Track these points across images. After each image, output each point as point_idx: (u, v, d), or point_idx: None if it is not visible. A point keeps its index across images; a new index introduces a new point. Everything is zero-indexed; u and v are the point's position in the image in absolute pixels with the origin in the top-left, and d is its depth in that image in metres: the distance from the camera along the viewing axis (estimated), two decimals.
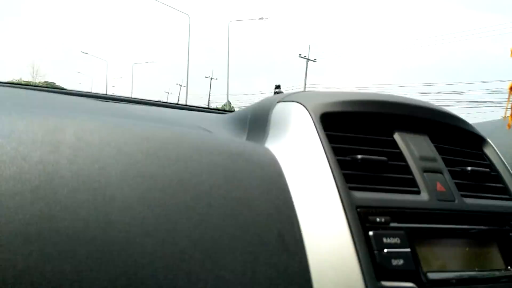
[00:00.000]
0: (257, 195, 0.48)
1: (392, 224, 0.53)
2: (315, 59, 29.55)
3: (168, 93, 62.64)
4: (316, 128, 0.57)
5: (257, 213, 0.47)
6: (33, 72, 78.08)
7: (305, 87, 27.44)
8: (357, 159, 0.57)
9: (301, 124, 0.58)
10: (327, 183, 0.52)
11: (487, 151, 0.74)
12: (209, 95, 50.90)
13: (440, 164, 0.63)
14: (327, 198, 0.51)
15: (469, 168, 0.66)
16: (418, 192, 0.58)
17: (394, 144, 0.63)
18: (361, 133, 0.62)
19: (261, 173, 0.51)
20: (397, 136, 0.64)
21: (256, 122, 0.66)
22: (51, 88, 1.22)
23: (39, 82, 77.22)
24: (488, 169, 0.69)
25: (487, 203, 0.64)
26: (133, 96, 1.46)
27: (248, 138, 0.66)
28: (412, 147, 0.63)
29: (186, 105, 1.56)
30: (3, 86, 1.01)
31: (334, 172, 0.53)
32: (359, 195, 0.53)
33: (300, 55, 28.10)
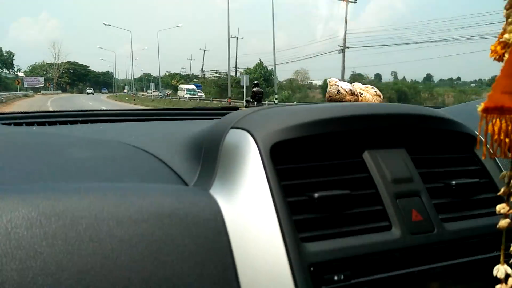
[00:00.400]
0: (191, 267, 0.43)
1: (354, 281, 0.46)
2: (355, 0, 28.01)
3: (191, 59, 64.56)
4: (264, 165, 0.50)
5: (193, 284, 0.42)
6: (55, 53, 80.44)
7: (345, 34, 27.40)
8: (313, 198, 0.49)
9: (249, 160, 0.51)
10: (273, 237, 0.45)
11: (479, 152, 0.64)
12: (236, 57, 49.57)
13: (417, 184, 0.55)
14: (273, 258, 0.45)
15: (453, 182, 0.58)
16: (389, 228, 0.51)
17: (363, 167, 0.55)
18: (323, 160, 0.54)
19: (198, 237, 0.45)
20: (366, 156, 0.56)
21: (208, 153, 0.59)
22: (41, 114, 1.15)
23: (62, 62, 79.07)
24: (477, 178, 0.60)
25: (475, 224, 0.56)
26: (127, 109, 1.37)
27: (200, 175, 0.59)
28: (383, 169, 0.55)
29: (183, 110, 1.46)
30: None
31: (282, 222, 0.46)
32: (313, 247, 0.46)
33: None
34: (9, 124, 1.01)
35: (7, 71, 71.11)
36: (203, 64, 60.92)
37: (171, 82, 63.28)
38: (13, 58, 71.94)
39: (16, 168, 0.60)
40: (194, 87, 40.81)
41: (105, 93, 76.55)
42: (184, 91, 39.91)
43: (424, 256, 0.51)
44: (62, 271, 0.38)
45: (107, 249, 0.41)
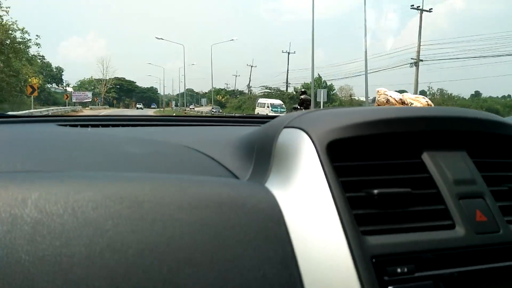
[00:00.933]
0: (251, 252, 0.43)
1: (418, 274, 0.45)
2: (430, 9, 26.56)
3: (236, 75, 64.70)
4: (321, 161, 0.50)
5: (251, 274, 0.42)
6: (103, 69, 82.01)
7: (419, 46, 24.74)
8: (373, 195, 0.48)
9: (304, 156, 0.51)
10: (333, 229, 0.45)
11: None
12: (288, 72, 47.83)
13: (480, 186, 0.53)
14: (334, 250, 0.44)
15: None
16: (452, 226, 0.49)
17: (423, 168, 0.54)
18: (381, 159, 0.53)
19: (257, 225, 0.45)
20: (426, 157, 0.55)
21: (262, 151, 0.59)
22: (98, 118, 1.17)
23: (109, 78, 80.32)
24: None
25: None
26: (167, 116, 1.39)
27: (253, 171, 0.59)
28: (445, 169, 0.53)
29: (223, 117, 1.52)
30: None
31: (342, 215, 0.46)
32: (375, 240, 0.45)
33: (412, 6, 24.95)
34: (65, 125, 1.04)
35: (56, 86, 72.16)
36: (250, 80, 59.60)
37: (217, 97, 62.10)
38: (62, 73, 73.11)
39: (76, 162, 0.61)
40: (280, 102, 32.18)
41: (154, 108, 79.55)
42: (268, 107, 29.73)
43: (489, 255, 0.49)
44: (127, 248, 0.39)
45: (169, 230, 0.41)
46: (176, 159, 0.67)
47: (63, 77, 73.40)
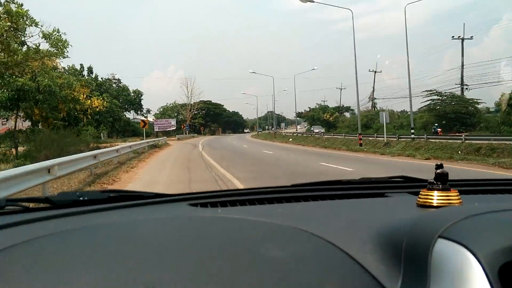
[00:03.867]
0: None
1: None
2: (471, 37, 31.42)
3: (324, 101, 62.20)
4: None
5: None
6: (187, 92, 73.99)
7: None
8: None
9: (472, 285, 0.43)
10: None
11: None
12: (373, 91, 45.97)
13: None
14: None
15: None
16: None
17: None
18: None
19: None
20: None
21: (412, 261, 0.52)
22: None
23: (194, 102, 71.51)
24: None
25: None
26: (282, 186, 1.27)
27: (403, 283, 0.52)
28: None
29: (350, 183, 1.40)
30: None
31: None
32: None
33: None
34: (196, 205, 1.03)
35: (135, 113, 62.88)
36: (340, 101, 57.18)
37: (323, 116, 49.99)
38: (141, 97, 61.90)
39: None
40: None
41: (248, 132, 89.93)
42: None
43: None
44: None
45: None
46: (315, 264, 0.59)
47: (142, 101, 62.82)
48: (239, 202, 1.06)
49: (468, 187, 1.20)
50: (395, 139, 21.95)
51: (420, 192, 0.85)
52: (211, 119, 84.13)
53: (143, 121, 32.76)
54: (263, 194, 1.14)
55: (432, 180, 0.84)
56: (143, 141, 23.50)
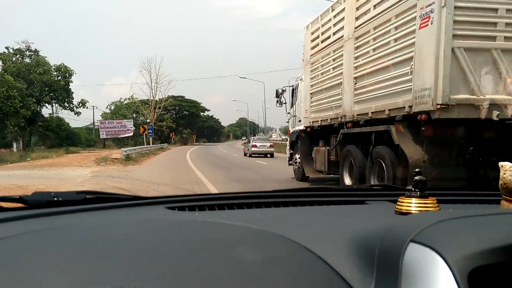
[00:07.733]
0: None
1: None
2: None
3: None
4: None
5: None
6: (150, 78, 49.00)
7: None
8: None
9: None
10: None
11: None
12: None
13: None
14: None
15: None
16: None
17: None
18: None
19: None
20: None
21: (385, 267, 0.53)
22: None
23: (160, 98, 50.56)
24: None
25: None
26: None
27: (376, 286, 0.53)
28: None
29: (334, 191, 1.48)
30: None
31: None
32: None
33: None
34: (174, 208, 1.03)
35: (59, 107, 35.84)
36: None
37: None
38: (70, 80, 34.58)
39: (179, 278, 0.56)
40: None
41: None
42: None
43: None
44: None
45: None
46: (288, 267, 0.60)
47: (71, 86, 35.67)
48: (217, 206, 1.06)
49: (446, 196, 1.22)
50: None
51: (398, 199, 0.87)
52: (185, 121, 64.06)
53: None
54: (243, 199, 1.15)
55: (410, 187, 0.86)
56: None
